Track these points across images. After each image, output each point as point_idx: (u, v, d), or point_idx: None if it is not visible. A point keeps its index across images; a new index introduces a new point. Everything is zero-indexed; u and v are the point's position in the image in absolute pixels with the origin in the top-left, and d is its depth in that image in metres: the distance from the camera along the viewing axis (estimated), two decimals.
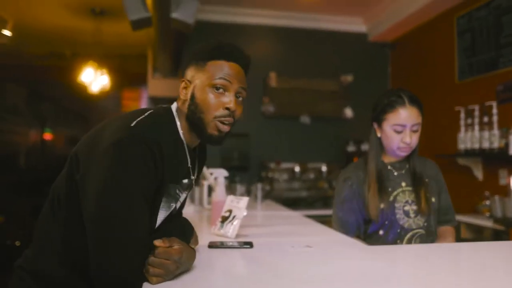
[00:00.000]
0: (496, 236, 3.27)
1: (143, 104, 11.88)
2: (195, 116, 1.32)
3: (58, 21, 5.51)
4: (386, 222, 1.91)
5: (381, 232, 1.92)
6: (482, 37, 3.78)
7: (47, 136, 9.54)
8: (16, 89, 7.94)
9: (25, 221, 6.02)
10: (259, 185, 3.47)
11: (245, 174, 4.59)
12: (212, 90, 1.31)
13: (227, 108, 1.31)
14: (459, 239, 3.63)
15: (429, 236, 1.95)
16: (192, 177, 1.43)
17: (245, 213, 1.91)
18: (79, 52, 6.80)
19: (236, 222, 1.89)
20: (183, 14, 4.08)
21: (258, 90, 4.80)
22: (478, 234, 3.53)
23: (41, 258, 1.31)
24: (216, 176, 2.22)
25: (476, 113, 3.72)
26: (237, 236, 1.88)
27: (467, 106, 3.84)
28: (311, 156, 4.77)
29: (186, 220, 1.53)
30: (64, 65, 7.49)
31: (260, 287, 1.20)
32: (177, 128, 1.35)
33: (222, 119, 1.32)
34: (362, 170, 2.00)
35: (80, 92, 7.61)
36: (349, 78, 4.87)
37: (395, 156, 1.99)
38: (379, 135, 2.02)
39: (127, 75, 7.62)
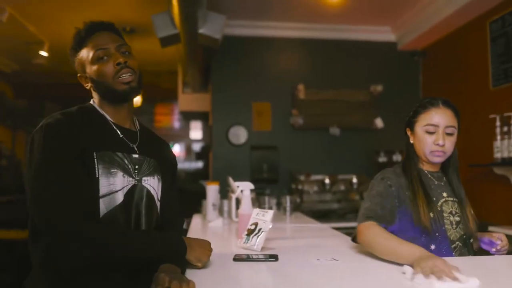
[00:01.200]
0: None
1: (175, 119, 12.08)
2: (102, 88, 1.44)
3: None
4: (437, 234, 1.74)
5: (432, 246, 1.73)
6: None
7: None
8: (52, 107, 8.19)
9: None
10: (288, 198, 3.44)
11: (275, 186, 4.56)
12: (97, 63, 1.42)
13: (118, 63, 1.41)
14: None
15: (465, 247, 1.85)
16: (133, 145, 1.49)
17: (270, 226, 1.89)
18: None
19: (261, 235, 1.87)
20: (210, 29, 4.13)
21: (287, 102, 4.79)
22: None
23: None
24: (242, 189, 2.21)
25: None
26: (263, 249, 1.86)
27: (502, 114, 3.71)
28: (341, 168, 4.71)
29: (179, 237, 1.49)
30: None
31: None
32: (94, 107, 1.49)
33: (119, 73, 1.42)
34: (402, 176, 1.85)
35: None
36: (378, 88, 4.80)
37: (430, 162, 1.88)
38: (411, 141, 1.92)
39: (159, 91, 7.74)
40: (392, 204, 1.75)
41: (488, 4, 3.90)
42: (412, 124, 1.92)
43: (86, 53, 1.45)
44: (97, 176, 1.33)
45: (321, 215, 4.21)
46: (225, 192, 3.49)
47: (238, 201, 2.96)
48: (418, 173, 1.84)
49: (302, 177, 4.44)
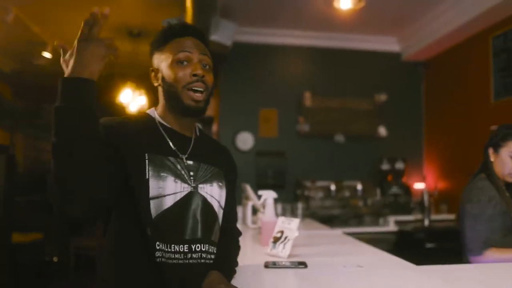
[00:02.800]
0: None
1: None
2: (170, 93, 1.42)
3: None
4: None
5: None
6: None
7: None
8: (51, 109, 8.16)
9: (61, 238, 6.19)
10: (299, 205, 3.53)
11: (281, 192, 4.66)
12: (176, 65, 1.41)
13: (195, 75, 1.39)
14: None
15: None
16: (182, 156, 1.43)
17: (296, 234, 1.99)
18: (113, 72, 7.01)
19: (288, 243, 1.97)
20: (221, 36, 4.22)
21: (293, 109, 4.89)
22: None
23: None
24: (266, 197, 2.31)
25: None
26: (290, 256, 1.96)
27: None
28: (345, 175, 4.82)
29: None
30: (99, 85, 7.72)
31: None
32: (150, 115, 1.50)
33: (192, 85, 1.39)
34: (493, 189, 2.22)
35: (116, 111, 7.82)
36: (382, 97, 4.92)
37: (504, 180, 2.26)
38: (492, 160, 2.31)
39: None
40: (500, 221, 2.14)
41: (491, 19, 4.04)
42: (498, 147, 2.30)
43: (168, 51, 1.44)
44: (147, 177, 1.31)
45: (325, 221, 4.32)
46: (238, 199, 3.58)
47: (254, 208, 3.06)
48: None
49: (308, 183, 4.54)
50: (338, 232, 2.94)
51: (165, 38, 1.47)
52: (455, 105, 4.72)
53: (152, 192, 1.31)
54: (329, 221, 4.38)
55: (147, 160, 1.34)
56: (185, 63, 1.41)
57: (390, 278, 1.65)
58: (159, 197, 1.32)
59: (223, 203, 1.50)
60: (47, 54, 5.58)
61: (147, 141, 1.39)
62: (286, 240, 1.99)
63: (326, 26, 4.72)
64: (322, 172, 4.80)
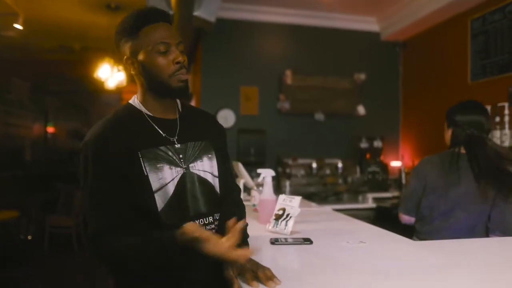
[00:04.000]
0: None
1: None
2: (154, 82, 1.46)
3: (70, 15, 5.54)
4: None
5: None
6: (495, 40, 3.92)
7: (50, 129, 9.58)
8: (21, 83, 7.94)
9: (36, 216, 6.09)
10: (288, 182, 3.58)
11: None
12: (157, 54, 1.42)
13: (178, 62, 1.43)
14: None
15: None
16: (172, 139, 1.50)
17: (299, 211, 2.03)
18: (88, 46, 6.85)
19: (291, 220, 2.01)
20: (205, 12, 4.16)
21: (274, 87, 4.91)
22: None
23: None
24: (264, 175, 2.33)
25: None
26: (291, 233, 2.00)
27: None
28: (325, 153, 4.89)
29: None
30: (71, 59, 7.53)
31: (326, 279, 1.34)
32: (135, 107, 1.51)
33: (177, 73, 1.44)
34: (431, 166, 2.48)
35: (85, 86, 7.66)
36: (362, 76, 5.00)
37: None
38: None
39: None
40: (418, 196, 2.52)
41: (470, 2, 4.14)
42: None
43: (143, 40, 1.43)
44: (145, 174, 1.39)
45: (305, 198, 4.40)
46: None
47: (245, 186, 3.09)
48: None
49: (289, 161, 4.59)
50: (327, 208, 3.00)
51: (136, 26, 1.44)
52: (432, 85, 4.83)
53: (154, 185, 1.40)
54: (308, 198, 4.46)
55: (141, 158, 1.40)
56: (165, 52, 1.43)
57: (393, 252, 1.72)
58: (161, 187, 1.41)
59: (216, 173, 1.58)
60: (18, 26, 5.38)
61: (138, 137, 1.44)
62: (288, 217, 2.03)
63: (308, 4, 4.73)
64: (302, 150, 4.86)
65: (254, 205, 2.71)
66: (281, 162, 4.69)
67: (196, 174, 1.50)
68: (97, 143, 1.39)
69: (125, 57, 1.48)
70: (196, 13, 4.10)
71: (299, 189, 4.49)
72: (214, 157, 1.58)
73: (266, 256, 1.65)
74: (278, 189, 4.02)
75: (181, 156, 1.48)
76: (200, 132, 1.58)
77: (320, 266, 1.52)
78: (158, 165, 1.41)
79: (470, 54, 4.21)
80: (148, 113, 1.49)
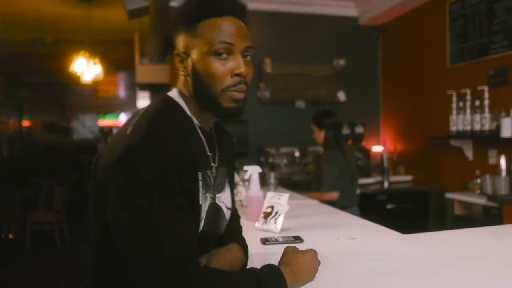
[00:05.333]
0: (486, 212, 3.48)
1: (121, 89, 11.80)
2: (202, 93, 1.13)
3: (42, 7, 5.41)
4: None
5: None
6: (474, 23, 3.94)
7: (25, 123, 9.40)
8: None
9: (16, 213, 5.97)
10: (273, 174, 3.56)
11: (244, 160, 4.67)
12: (213, 57, 1.11)
13: (237, 75, 1.11)
14: (452, 215, 3.87)
15: None
16: (213, 164, 1.21)
17: (287, 208, 2.02)
18: (61, 39, 6.70)
19: (280, 218, 2.00)
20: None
21: (254, 76, 4.80)
22: (470, 211, 3.75)
23: None
24: (251, 172, 2.31)
25: (468, 97, 3.89)
26: (281, 230, 1.99)
27: (459, 90, 4.02)
28: (307, 140, 4.86)
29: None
30: (45, 52, 7.37)
31: (319, 281, 1.30)
32: (185, 113, 1.17)
33: (233, 88, 1.12)
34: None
35: (59, 79, 7.52)
36: (341, 62, 4.98)
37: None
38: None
39: (110, 60, 7.54)
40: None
41: None
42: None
43: (202, 36, 1.12)
44: (200, 203, 1.12)
45: (288, 187, 4.40)
46: None
47: None
48: None
49: (272, 151, 4.58)
50: (315, 202, 3.00)
51: (197, 15, 1.13)
52: (411, 69, 4.85)
53: (203, 213, 1.16)
54: (291, 187, 4.46)
55: (200, 181, 1.12)
56: (224, 55, 1.11)
57: (384, 247, 1.72)
58: (201, 220, 1.15)
59: (230, 204, 1.32)
60: None
61: (196, 155, 1.12)
62: (277, 215, 2.01)
63: None
64: (284, 138, 4.85)
65: (240, 200, 2.69)
66: (263, 151, 4.67)
67: (220, 207, 1.24)
68: (165, 158, 1.02)
69: (175, 51, 1.18)
70: (172, 3, 4.02)
71: (283, 179, 4.49)
72: (230, 188, 1.32)
73: (257, 256, 1.64)
74: (262, 180, 4.00)
75: (213, 182, 1.20)
76: (226, 155, 1.30)
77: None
78: (206, 194, 1.16)
79: (449, 37, 4.23)
80: (197, 122, 1.18)
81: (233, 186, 1.36)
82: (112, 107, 11.75)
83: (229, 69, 1.11)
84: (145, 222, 0.98)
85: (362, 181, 4.62)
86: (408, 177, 4.85)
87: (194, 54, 1.13)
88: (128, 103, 11.19)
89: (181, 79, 1.20)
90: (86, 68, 5.45)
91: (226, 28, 1.12)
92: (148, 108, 1.15)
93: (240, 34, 1.13)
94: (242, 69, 1.10)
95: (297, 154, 4.57)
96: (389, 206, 4.30)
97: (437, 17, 4.36)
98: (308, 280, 1.19)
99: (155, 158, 1.00)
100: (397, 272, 1.37)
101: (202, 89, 1.13)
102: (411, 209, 4.37)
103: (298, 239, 1.82)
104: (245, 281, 1.05)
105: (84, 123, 11.92)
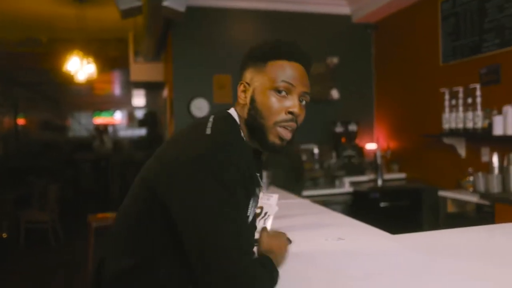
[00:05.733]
0: (479, 210, 3.49)
1: (117, 87, 11.78)
2: (255, 122, 1.24)
3: (37, 7, 5.40)
4: None
5: None
6: (466, 22, 3.95)
7: (21, 121, 9.39)
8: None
9: (9, 212, 5.96)
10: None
11: None
12: (274, 93, 1.23)
13: (291, 113, 1.23)
14: (445, 213, 3.88)
15: None
16: (261, 184, 1.39)
17: (276, 209, 2.02)
18: (56, 38, 6.68)
19: (269, 219, 2.00)
20: (174, 2, 4.08)
21: None
22: (462, 209, 3.76)
23: None
24: None
25: (460, 94, 3.90)
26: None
27: (451, 88, 4.03)
28: (300, 138, 4.89)
29: None
30: (39, 51, 7.35)
31: (307, 282, 1.34)
32: (244, 140, 1.27)
33: (285, 124, 1.23)
34: None
35: (54, 77, 7.51)
36: (334, 60, 4.98)
37: None
38: None
39: (105, 59, 7.52)
40: None
41: None
42: None
43: (268, 73, 1.24)
44: (248, 213, 1.28)
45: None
46: None
47: None
48: None
49: None
50: (307, 201, 3.00)
51: (267, 55, 1.26)
52: (404, 67, 4.86)
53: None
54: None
55: (250, 208, 1.29)
56: (283, 93, 1.23)
57: (373, 248, 1.72)
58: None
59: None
60: None
61: (250, 180, 1.22)
62: (267, 216, 2.01)
63: None
64: None
65: None
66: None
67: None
68: (241, 164, 1.13)
69: (241, 82, 1.30)
70: (165, 3, 4.01)
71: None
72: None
73: None
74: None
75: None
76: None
77: (301, 270, 1.50)
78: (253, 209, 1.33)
79: (441, 36, 4.23)
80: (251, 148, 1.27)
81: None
82: (108, 105, 11.73)
83: (285, 106, 1.23)
84: (218, 221, 1.07)
85: (355, 179, 4.63)
86: (402, 175, 4.86)
87: (257, 87, 1.25)
88: (123, 101, 11.20)
89: (239, 105, 1.30)
90: (80, 67, 5.43)
91: (290, 70, 1.25)
92: (219, 117, 1.25)
93: (301, 79, 1.27)
94: (296, 109, 1.23)
95: None
96: (382, 204, 4.31)
97: (429, 16, 4.37)
98: (283, 263, 1.32)
99: (233, 163, 1.11)
100: (384, 273, 1.38)
101: (256, 119, 1.24)
102: (404, 207, 4.39)
103: (287, 240, 1.82)
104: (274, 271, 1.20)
105: (79, 121, 11.91)
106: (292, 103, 1.23)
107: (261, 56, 1.28)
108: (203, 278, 1.06)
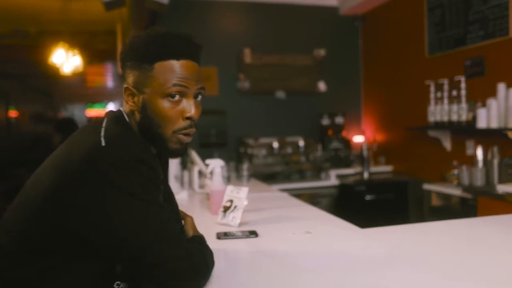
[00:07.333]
0: (463, 203, 3.48)
1: (109, 79, 11.74)
2: (151, 131, 1.17)
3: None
4: None
5: None
6: (451, 13, 3.92)
7: (13, 113, 9.34)
8: None
9: None
10: (245, 166, 3.55)
11: (223, 150, 4.66)
12: (166, 99, 1.14)
13: (188, 118, 1.16)
14: (429, 206, 3.87)
15: None
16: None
17: (246, 203, 2.01)
18: (44, 30, 6.63)
19: (238, 212, 1.99)
20: None
21: (233, 66, 4.84)
22: (447, 202, 3.75)
23: None
24: (213, 166, 2.30)
25: (445, 87, 3.88)
26: (240, 224, 1.98)
27: (436, 80, 4.01)
28: (287, 131, 4.88)
29: None
30: (28, 43, 7.30)
31: (268, 277, 1.32)
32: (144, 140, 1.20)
33: (184, 131, 1.18)
34: None
35: (45, 69, 7.46)
36: (322, 52, 4.95)
37: None
38: None
39: (94, 51, 7.47)
40: None
41: None
42: None
43: (157, 77, 1.14)
44: None
45: (268, 178, 4.41)
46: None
47: (200, 173, 3.06)
48: None
49: (251, 141, 4.57)
50: (285, 195, 2.99)
51: (153, 56, 1.15)
52: (391, 59, 4.83)
53: None
54: (272, 178, 4.47)
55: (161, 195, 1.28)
56: (177, 97, 1.15)
57: (338, 243, 1.71)
58: None
59: None
60: None
61: (154, 173, 1.18)
62: (236, 209, 2.01)
63: None
64: (264, 129, 4.83)
65: (207, 193, 2.68)
66: (242, 142, 4.66)
67: None
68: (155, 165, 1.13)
69: (125, 86, 1.18)
70: None
71: (261, 170, 4.49)
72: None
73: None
74: (239, 172, 4.01)
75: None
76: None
77: (262, 263, 1.49)
78: None
79: (427, 27, 4.20)
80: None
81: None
82: (100, 97, 11.68)
83: (181, 111, 1.15)
84: (140, 219, 1.04)
85: (342, 171, 4.62)
86: (389, 168, 4.85)
87: (147, 93, 1.15)
88: (116, 93, 11.14)
89: (128, 108, 1.21)
90: (65, 60, 5.40)
91: (182, 71, 1.15)
92: (110, 120, 1.17)
93: (195, 77, 1.17)
94: (192, 113, 1.15)
95: (275, 145, 4.55)
96: (368, 197, 4.30)
97: (416, 7, 4.34)
98: None
99: (133, 158, 1.06)
100: (348, 269, 1.36)
101: (152, 128, 1.17)
102: (390, 200, 4.38)
103: (253, 233, 1.81)
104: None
105: (72, 113, 11.85)
106: (188, 106, 1.16)
107: (146, 56, 1.15)
108: (151, 275, 1.05)
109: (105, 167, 1.02)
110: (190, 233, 1.32)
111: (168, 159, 1.38)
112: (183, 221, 1.37)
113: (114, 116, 1.20)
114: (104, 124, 1.14)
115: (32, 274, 1.06)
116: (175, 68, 1.15)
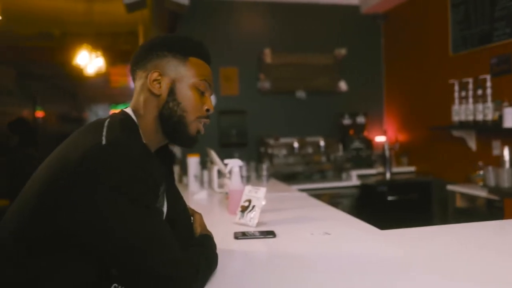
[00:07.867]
0: (489, 205, 3.40)
1: (131, 79, 11.86)
2: (174, 115, 1.25)
3: (48, 2, 5.45)
4: None
5: None
6: (476, 10, 3.83)
7: (39, 114, 9.54)
8: (5, 71, 7.82)
9: None
10: (264, 166, 3.54)
11: (243, 150, 4.66)
12: (197, 90, 1.27)
13: (208, 110, 1.31)
14: (454, 207, 3.79)
15: None
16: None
17: (264, 203, 1.99)
18: (68, 32, 6.74)
19: (256, 212, 1.97)
20: None
21: (253, 67, 4.83)
22: (472, 203, 3.67)
23: None
24: (232, 166, 2.29)
25: (470, 86, 3.80)
26: (258, 224, 1.96)
27: (461, 79, 3.92)
28: (307, 131, 4.85)
29: None
30: (52, 45, 7.42)
31: (284, 277, 1.29)
32: (140, 136, 1.22)
33: (204, 120, 1.30)
34: None
35: (69, 70, 7.59)
36: (342, 51, 4.91)
37: None
38: None
39: (117, 52, 7.54)
40: None
41: None
42: None
43: (192, 69, 1.27)
44: None
45: (289, 177, 4.38)
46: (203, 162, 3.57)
47: (219, 172, 3.05)
48: None
49: (271, 141, 4.55)
50: (304, 195, 2.96)
51: (189, 51, 1.29)
52: (413, 58, 4.76)
53: None
54: (293, 177, 4.45)
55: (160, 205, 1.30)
56: (203, 92, 1.30)
57: (357, 245, 1.67)
58: None
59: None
60: None
61: (154, 184, 1.19)
62: (254, 209, 1.99)
63: None
64: (284, 129, 4.82)
65: (226, 193, 2.67)
66: (263, 142, 4.64)
67: None
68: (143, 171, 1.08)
69: (154, 71, 1.24)
70: None
71: (282, 169, 4.47)
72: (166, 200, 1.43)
73: (228, 252, 1.62)
74: (259, 171, 3.99)
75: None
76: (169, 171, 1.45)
77: (279, 264, 1.47)
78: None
79: (451, 25, 4.12)
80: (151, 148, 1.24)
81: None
82: (124, 98, 11.82)
83: (204, 104, 1.29)
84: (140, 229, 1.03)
85: (363, 172, 4.57)
86: (411, 168, 4.77)
87: (178, 79, 1.26)
88: None
89: (143, 97, 1.25)
90: (89, 61, 5.48)
91: (209, 72, 1.33)
92: (114, 120, 1.17)
93: (212, 80, 1.34)
94: (211, 106, 1.31)
95: (296, 144, 4.52)
96: (390, 198, 4.23)
97: (439, 4, 4.25)
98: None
99: (134, 167, 1.05)
100: (367, 272, 1.32)
101: (176, 112, 1.25)
102: (413, 201, 4.31)
103: (271, 234, 1.79)
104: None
105: (96, 113, 12.02)
106: (208, 101, 1.31)
107: (182, 48, 1.29)
108: (136, 280, 1.03)
109: (101, 166, 1.01)
110: (198, 230, 1.40)
111: (173, 162, 1.48)
112: (192, 218, 1.40)
113: (119, 117, 1.21)
114: (106, 124, 1.14)
115: (28, 275, 1.04)
116: (205, 67, 1.31)
